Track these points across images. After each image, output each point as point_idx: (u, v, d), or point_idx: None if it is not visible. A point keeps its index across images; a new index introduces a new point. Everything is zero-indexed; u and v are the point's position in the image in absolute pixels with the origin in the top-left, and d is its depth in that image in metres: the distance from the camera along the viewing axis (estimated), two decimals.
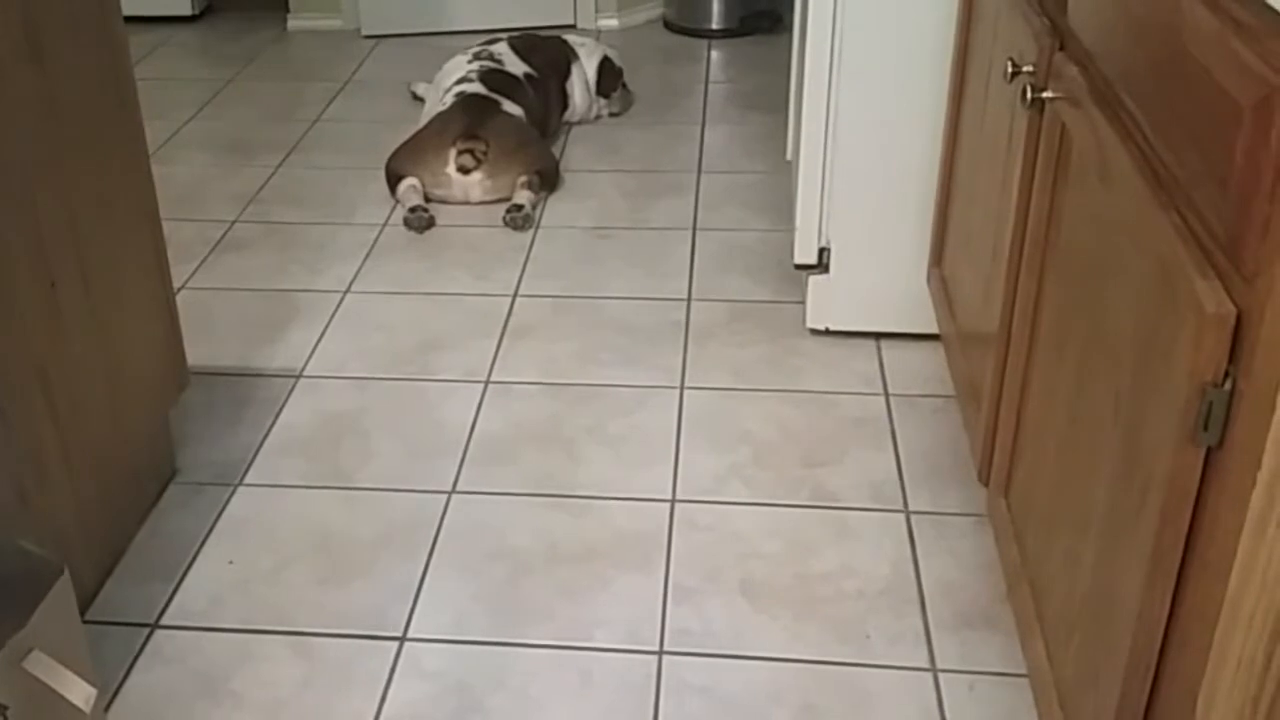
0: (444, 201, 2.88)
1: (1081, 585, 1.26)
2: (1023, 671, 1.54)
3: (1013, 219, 1.54)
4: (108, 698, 1.60)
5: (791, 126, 2.71)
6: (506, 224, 2.79)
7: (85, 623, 1.70)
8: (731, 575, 1.80)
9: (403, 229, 2.79)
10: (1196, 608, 1.00)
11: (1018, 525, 1.55)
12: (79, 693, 1.18)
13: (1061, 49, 1.43)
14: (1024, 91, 1.44)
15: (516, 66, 3.16)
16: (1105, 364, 1.21)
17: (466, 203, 2.88)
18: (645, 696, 1.60)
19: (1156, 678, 1.09)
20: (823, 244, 2.29)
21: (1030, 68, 1.49)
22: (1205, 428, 0.95)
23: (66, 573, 1.25)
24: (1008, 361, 1.58)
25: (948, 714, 1.57)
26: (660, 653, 1.67)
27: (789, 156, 2.80)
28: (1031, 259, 1.48)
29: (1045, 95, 1.41)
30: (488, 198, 2.88)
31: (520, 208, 2.79)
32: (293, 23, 4.19)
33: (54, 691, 1.18)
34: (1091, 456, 1.23)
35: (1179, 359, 0.98)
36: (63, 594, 1.24)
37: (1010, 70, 1.53)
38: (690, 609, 1.74)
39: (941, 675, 1.62)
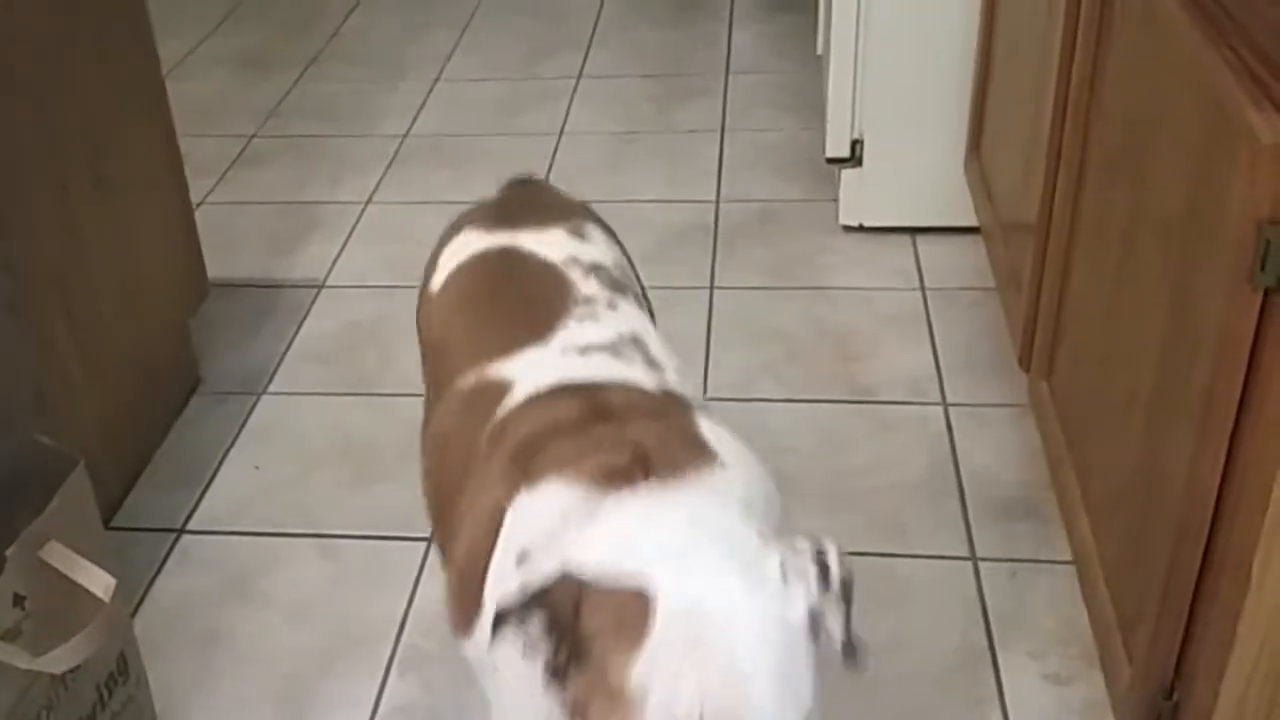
0: None
1: (1129, 459, 1.21)
2: (1065, 559, 1.49)
3: (1054, 84, 1.46)
4: (135, 601, 1.58)
5: (822, 17, 2.62)
6: None
7: (111, 529, 1.68)
8: None
9: (425, 139, 2.74)
10: (1251, 465, 0.95)
11: (1060, 407, 1.49)
12: (97, 582, 1.16)
13: None
14: None
15: None
16: (1153, 223, 1.14)
17: None
18: None
19: (1209, 545, 1.04)
20: (855, 136, 2.22)
21: None
22: (1263, 268, 0.89)
23: (82, 464, 1.22)
24: (1049, 241, 1.52)
25: (988, 600, 1.52)
26: None
27: (819, 51, 2.71)
28: (1075, 128, 1.41)
29: None
30: None
31: None
32: None
33: (72, 581, 1.16)
34: (1139, 321, 1.18)
35: (1233, 198, 0.92)
36: (79, 485, 1.22)
37: None
38: None
39: (981, 564, 1.58)
